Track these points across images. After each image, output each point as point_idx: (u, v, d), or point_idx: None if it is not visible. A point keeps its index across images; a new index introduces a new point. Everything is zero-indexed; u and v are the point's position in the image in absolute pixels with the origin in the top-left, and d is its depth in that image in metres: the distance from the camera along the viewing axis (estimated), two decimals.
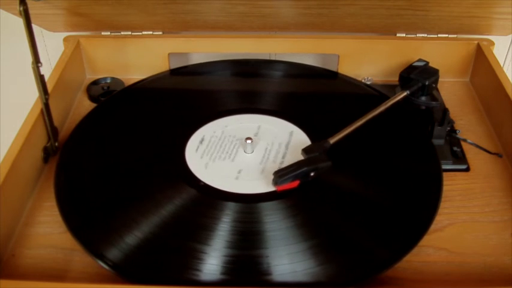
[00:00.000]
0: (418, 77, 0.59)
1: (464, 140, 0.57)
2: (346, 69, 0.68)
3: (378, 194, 0.50)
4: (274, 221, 0.46)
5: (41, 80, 0.52)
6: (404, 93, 0.57)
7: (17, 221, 0.48)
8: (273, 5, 0.61)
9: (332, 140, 0.52)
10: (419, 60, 0.62)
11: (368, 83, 0.66)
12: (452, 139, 0.57)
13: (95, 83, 0.67)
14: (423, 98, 0.59)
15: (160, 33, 0.68)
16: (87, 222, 0.47)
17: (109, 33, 0.68)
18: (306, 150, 0.51)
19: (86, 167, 0.53)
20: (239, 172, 0.51)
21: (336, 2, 0.60)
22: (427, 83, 0.58)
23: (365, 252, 0.44)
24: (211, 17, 0.64)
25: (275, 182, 0.48)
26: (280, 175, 0.48)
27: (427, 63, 0.62)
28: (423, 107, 0.59)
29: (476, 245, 0.46)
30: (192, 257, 0.43)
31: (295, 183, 0.48)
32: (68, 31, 0.68)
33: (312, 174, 0.49)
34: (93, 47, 0.67)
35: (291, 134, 0.56)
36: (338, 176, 0.51)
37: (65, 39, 0.67)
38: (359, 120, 0.54)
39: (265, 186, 0.49)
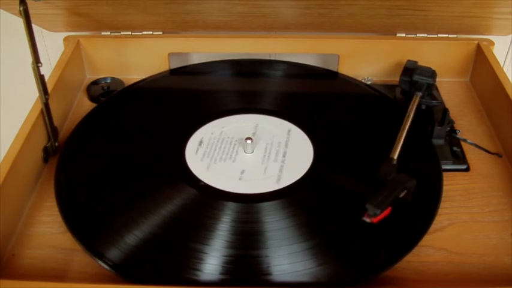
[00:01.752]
0: (422, 78, 0.58)
1: (464, 140, 0.57)
2: (346, 69, 0.68)
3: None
4: (274, 221, 0.46)
5: (41, 80, 0.52)
6: (419, 96, 0.57)
7: (17, 221, 0.48)
8: (273, 5, 0.61)
9: (395, 156, 0.50)
10: (409, 61, 0.61)
11: (368, 83, 0.66)
12: (452, 139, 0.57)
13: (95, 83, 0.67)
14: (424, 98, 0.59)
15: (160, 33, 0.68)
16: (87, 222, 0.47)
17: (109, 33, 0.68)
18: (381, 174, 0.47)
19: (86, 166, 0.53)
20: (239, 172, 0.51)
21: (336, 2, 0.60)
22: (432, 82, 0.58)
23: (365, 252, 0.44)
24: (211, 17, 0.64)
25: (374, 214, 0.43)
26: (376, 205, 0.43)
27: (416, 63, 0.61)
28: (423, 107, 0.59)
29: (476, 245, 0.46)
30: (192, 257, 0.43)
31: (388, 210, 0.44)
32: (68, 31, 0.68)
33: (401, 195, 0.45)
34: (93, 47, 0.67)
35: (290, 133, 0.56)
36: (338, 176, 0.51)
37: (65, 39, 0.67)
38: (403, 128, 0.53)
39: (265, 186, 0.49)
